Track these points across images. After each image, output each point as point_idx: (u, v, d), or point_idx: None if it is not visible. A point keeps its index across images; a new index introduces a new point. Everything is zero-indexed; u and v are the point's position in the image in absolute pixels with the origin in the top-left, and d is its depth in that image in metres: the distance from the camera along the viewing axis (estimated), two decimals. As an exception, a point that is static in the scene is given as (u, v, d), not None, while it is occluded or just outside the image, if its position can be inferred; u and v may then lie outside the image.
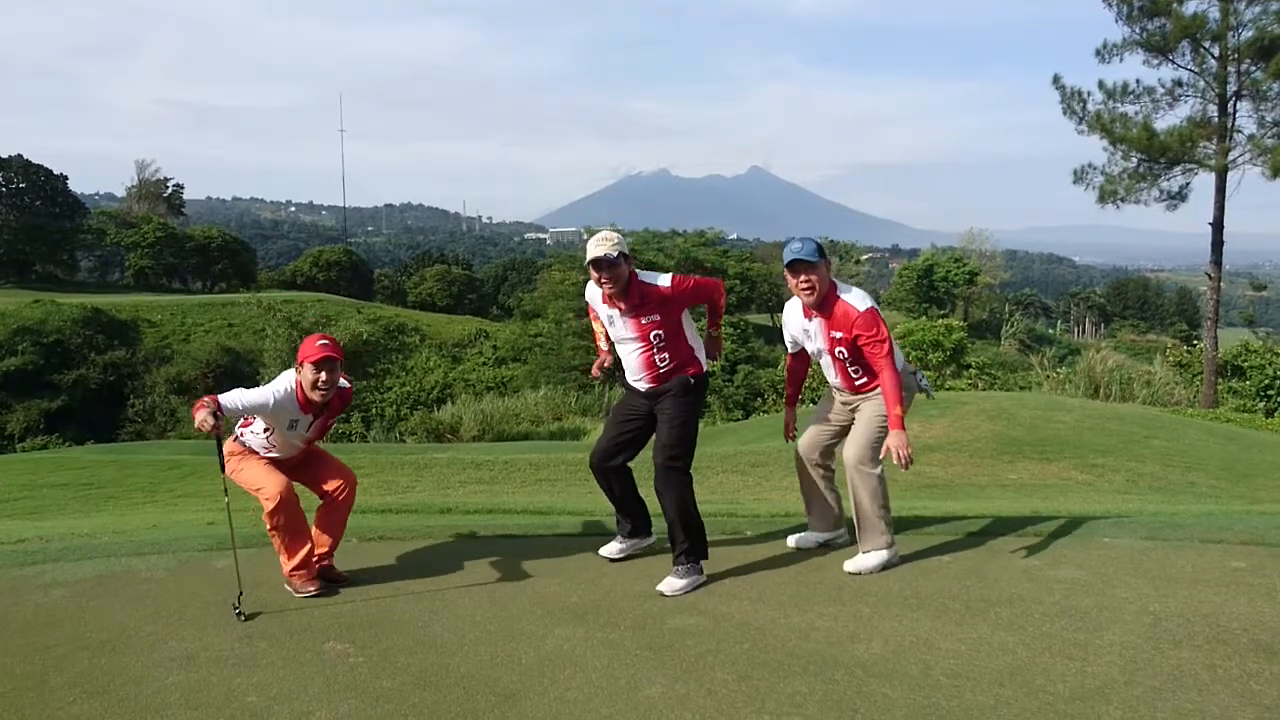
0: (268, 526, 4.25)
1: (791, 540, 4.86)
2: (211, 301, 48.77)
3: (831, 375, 4.55)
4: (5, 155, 62.26)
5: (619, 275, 4.17)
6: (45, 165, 63.83)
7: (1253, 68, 19.66)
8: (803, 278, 4.31)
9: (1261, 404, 18.10)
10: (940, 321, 25.55)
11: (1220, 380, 20.32)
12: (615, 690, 3.15)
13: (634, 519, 4.68)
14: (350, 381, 4.60)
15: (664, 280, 4.24)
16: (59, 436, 30.52)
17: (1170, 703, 2.88)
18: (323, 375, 4.19)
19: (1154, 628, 3.47)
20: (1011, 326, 57.03)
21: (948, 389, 19.77)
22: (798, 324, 4.54)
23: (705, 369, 4.42)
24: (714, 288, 4.43)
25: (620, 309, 4.27)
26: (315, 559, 4.37)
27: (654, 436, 4.38)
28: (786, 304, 4.67)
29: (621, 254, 4.15)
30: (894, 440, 4.06)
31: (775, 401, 25.33)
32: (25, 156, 63.10)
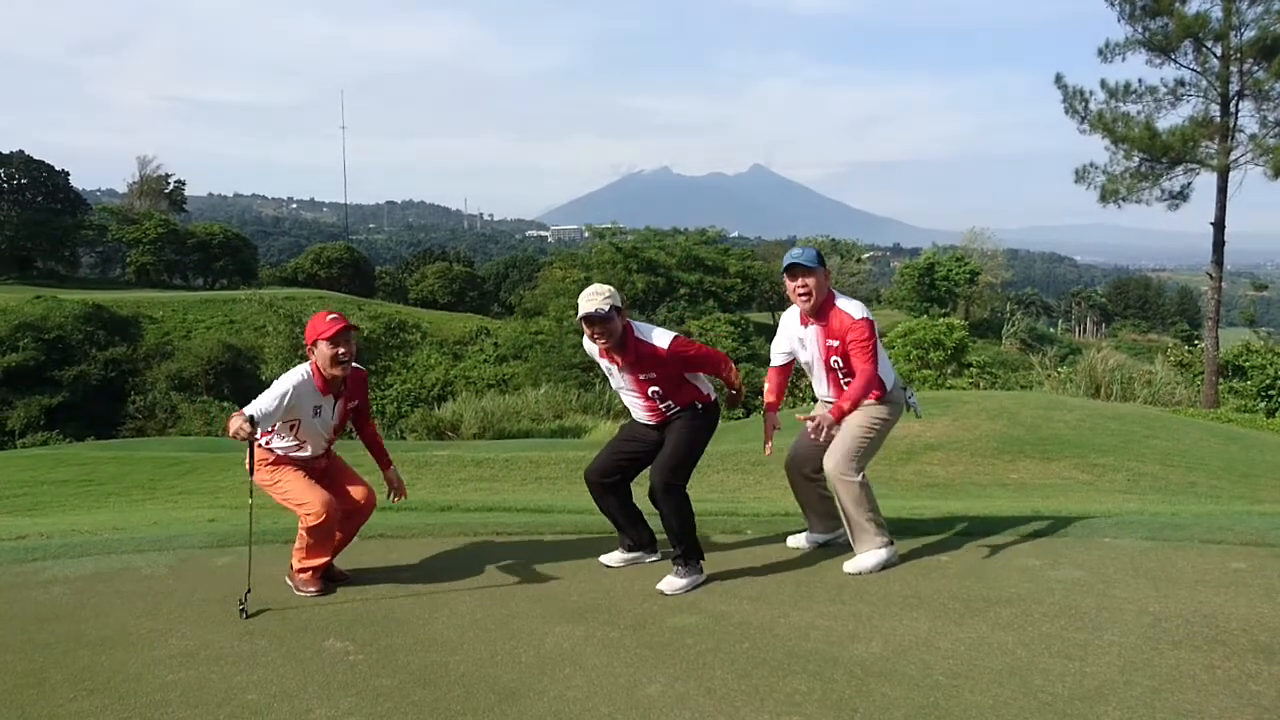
0: (302, 532, 4.24)
1: (792, 541, 4.86)
2: (213, 298, 48.77)
3: (823, 387, 4.53)
4: (7, 151, 62.26)
5: (612, 330, 4.14)
6: (47, 161, 63.79)
7: (1255, 67, 19.64)
8: (800, 282, 4.31)
9: (1262, 404, 18.09)
10: (941, 320, 25.54)
11: (1221, 380, 20.32)
12: (615, 689, 3.15)
13: (635, 536, 4.63)
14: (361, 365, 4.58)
15: (661, 341, 4.18)
16: (59, 433, 30.49)
17: (1169, 703, 2.88)
18: (340, 350, 4.18)
19: (1153, 628, 3.47)
20: (1013, 326, 56.97)
21: (949, 388, 19.76)
22: (793, 331, 4.52)
23: (714, 398, 4.40)
24: (718, 362, 4.31)
25: (618, 364, 4.25)
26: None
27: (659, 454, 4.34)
28: (785, 313, 4.65)
29: (614, 307, 4.11)
30: (823, 416, 4.12)
31: (776, 400, 25.28)
32: (27, 152, 63.12)
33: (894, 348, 23.13)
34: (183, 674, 3.36)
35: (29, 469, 11.03)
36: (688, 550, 4.25)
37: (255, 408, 4.05)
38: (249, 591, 4.06)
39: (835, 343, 4.33)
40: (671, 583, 4.18)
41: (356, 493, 4.47)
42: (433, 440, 20.39)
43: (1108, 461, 9.85)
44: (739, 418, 24.84)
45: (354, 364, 4.38)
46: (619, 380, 4.34)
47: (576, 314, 4.19)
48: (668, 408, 4.29)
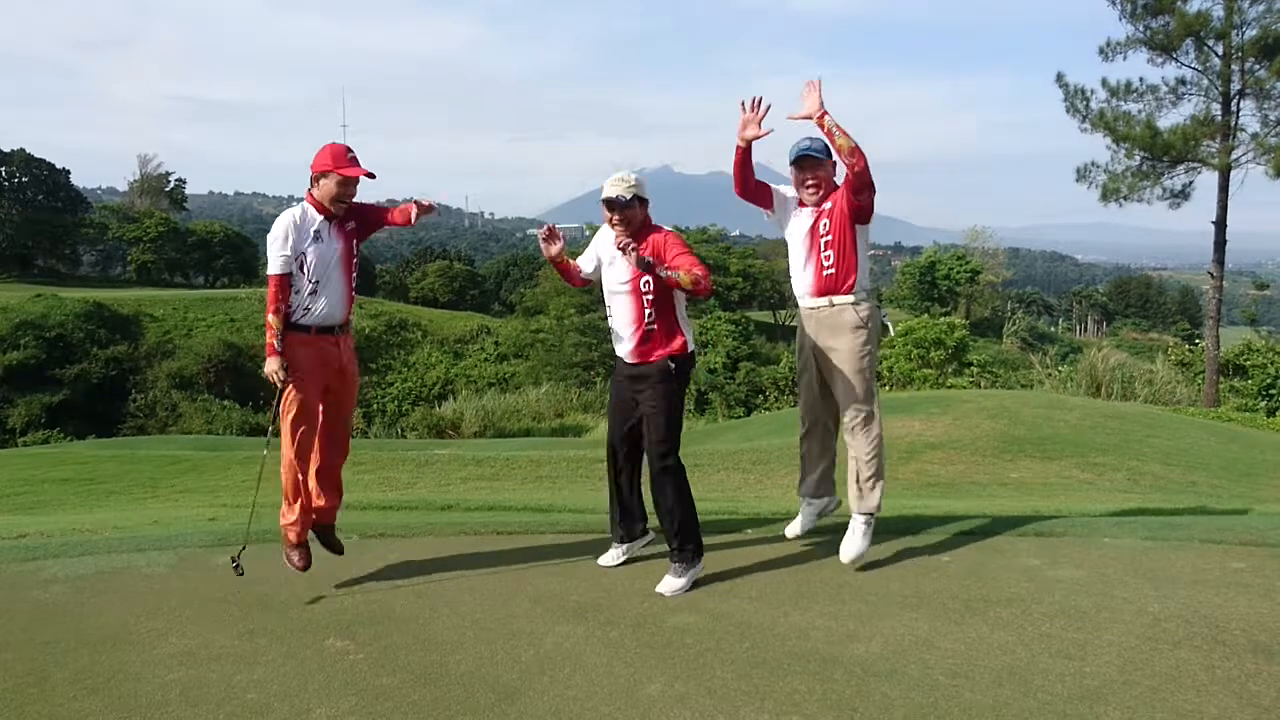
0: (283, 465, 4.24)
1: (789, 531, 4.82)
2: (213, 296, 48.75)
3: (805, 276, 4.38)
4: (8, 149, 62.30)
5: (631, 218, 4.08)
6: (48, 159, 63.87)
7: (1256, 66, 19.66)
8: (809, 175, 4.24)
9: (1263, 403, 18.08)
10: (943, 320, 25.52)
11: (1222, 379, 20.34)
12: (615, 688, 3.15)
13: (630, 520, 4.60)
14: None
15: (669, 229, 4.19)
16: (60, 431, 30.53)
17: (1168, 703, 2.88)
18: (348, 190, 4.19)
19: (1153, 628, 3.47)
20: (1014, 324, 57.00)
21: (949, 387, 19.76)
22: (791, 207, 4.42)
23: (690, 350, 4.30)
24: (698, 268, 4.08)
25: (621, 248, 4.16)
26: (311, 518, 4.41)
27: (644, 425, 4.26)
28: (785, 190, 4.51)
29: (637, 197, 4.05)
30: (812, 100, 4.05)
31: (777, 399, 25.33)
32: (27, 150, 63.14)
33: (894, 347, 23.13)
34: (183, 673, 3.36)
35: (30, 467, 11.04)
36: (687, 540, 4.21)
37: (271, 262, 4.09)
38: (244, 548, 4.09)
39: (830, 205, 4.24)
40: (670, 583, 4.16)
41: (340, 436, 4.48)
42: (433, 439, 20.41)
43: (1108, 461, 9.85)
44: (739, 416, 24.83)
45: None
46: (615, 274, 4.22)
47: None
48: (649, 317, 4.16)
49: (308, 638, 3.69)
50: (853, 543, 4.37)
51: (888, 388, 21.06)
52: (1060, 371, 21.56)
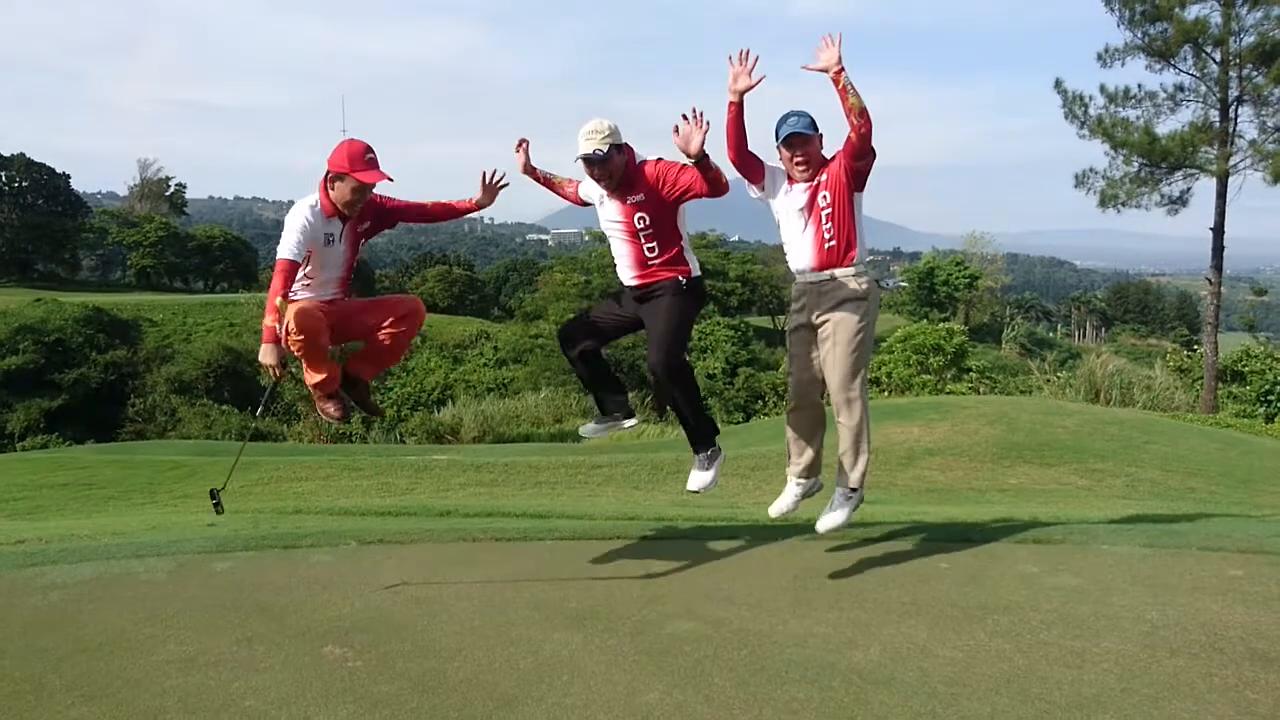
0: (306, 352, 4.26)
1: (773, 510, 4.72)
2: (213, 301, 48.74)
3: (804, 251, 4.32)
4: (8, 154, 62.38)
5: (611, 171, 4.02)
6: (48, 164, 63.93)
7: (1254, 73, 19.71)
8: (798, 153, 4.21)
9: (1261, 409, 18.12)
10: (941, 325, 25.54)
11: (1220, 385, 20.35)
12: (613, 696, 3.15)
13: (608, 397, 4.49)
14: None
15: (654, 158, 4.14)
16: (59, 436, 30.49)
17: (1166, 711, 2.89)
18: (364, 196, 4.16)
19: (1151, 636, 3.48)
20: (1012, 330, 57.03)
21: (948, 393, 19.77)
22: (781, 180, 4.39)
23: (697, 273, 4.23)
24: (700, 173, 4.00)
25: (608, 189, 4.15)
26: (342, 378, 4.47)
27: (646, 336, 4.18)
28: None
29: (614, 146, 3.98)
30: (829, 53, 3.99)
31: (776, 404, 25.32)
32: (27, 155, 63.20)
33: (893, 352, 23.14)
34: (181, 680, 3.36)
35: (28, 473, 11.02)
36: (701, 427, 4.15)
37: (284, 246, 4.07)
38: (225, 486, 4.31)
39: (825, 176, 4.20)
40: (699, 478, 4.12)
41: (392, 310, 4.46)
42: (432, 444, 20.40)
43: (1107, 467, 9.86)
44: (738, 422, 24.83)
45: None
46: (608, 211, 4.19)
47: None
48: (651, 251, 4.11)
49: (306, 645, 3.69)
50: (831, 515, 4.36)
51: (886, 393, 21.07)
52: (1059, 377, 21.58)
